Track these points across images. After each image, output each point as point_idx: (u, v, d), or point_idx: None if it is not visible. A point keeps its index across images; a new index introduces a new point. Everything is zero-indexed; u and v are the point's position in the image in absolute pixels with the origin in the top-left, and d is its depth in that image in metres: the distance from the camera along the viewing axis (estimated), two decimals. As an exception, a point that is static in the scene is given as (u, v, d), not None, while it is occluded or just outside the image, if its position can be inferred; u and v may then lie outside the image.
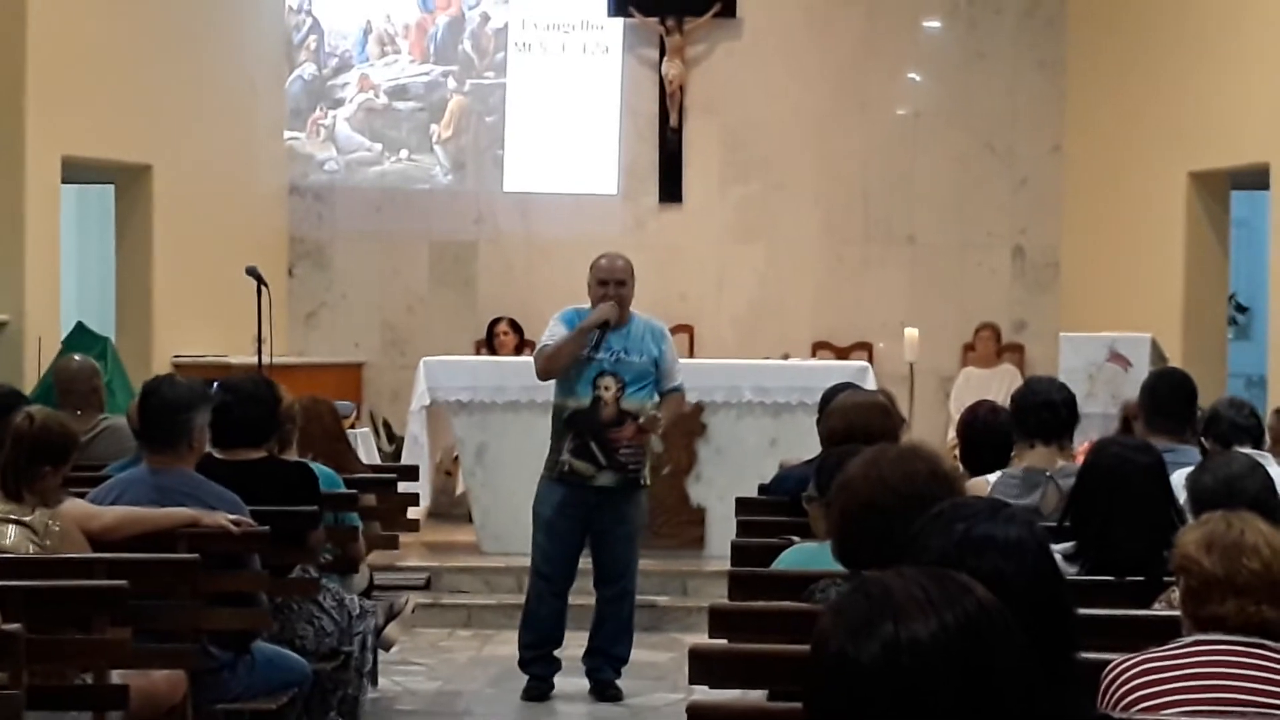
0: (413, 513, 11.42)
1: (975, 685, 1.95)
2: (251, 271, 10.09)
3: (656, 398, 8.68)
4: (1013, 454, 6.82)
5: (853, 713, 1.96)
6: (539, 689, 8.78)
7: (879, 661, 1.95)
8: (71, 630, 5.15)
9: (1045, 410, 6.60)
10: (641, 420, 8.50)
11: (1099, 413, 9.46)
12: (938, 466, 4.00)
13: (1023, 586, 2.63)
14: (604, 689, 8.78)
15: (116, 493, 6.21)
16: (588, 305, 8.71)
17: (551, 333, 8.69)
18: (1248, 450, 6.28)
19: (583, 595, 9.00)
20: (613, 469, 8.55)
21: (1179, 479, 5.65)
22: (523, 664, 8.85)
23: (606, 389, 8.54)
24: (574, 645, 8.90)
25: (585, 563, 8.86)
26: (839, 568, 4.28)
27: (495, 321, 14.28)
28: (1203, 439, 6.83)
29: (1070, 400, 6.73)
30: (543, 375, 8.76)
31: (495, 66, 15.07)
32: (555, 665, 8.85)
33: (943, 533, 2.81)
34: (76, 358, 9.56)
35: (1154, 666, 3.74)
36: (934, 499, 3.56)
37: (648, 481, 8.84)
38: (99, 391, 9.11)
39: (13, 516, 5.44)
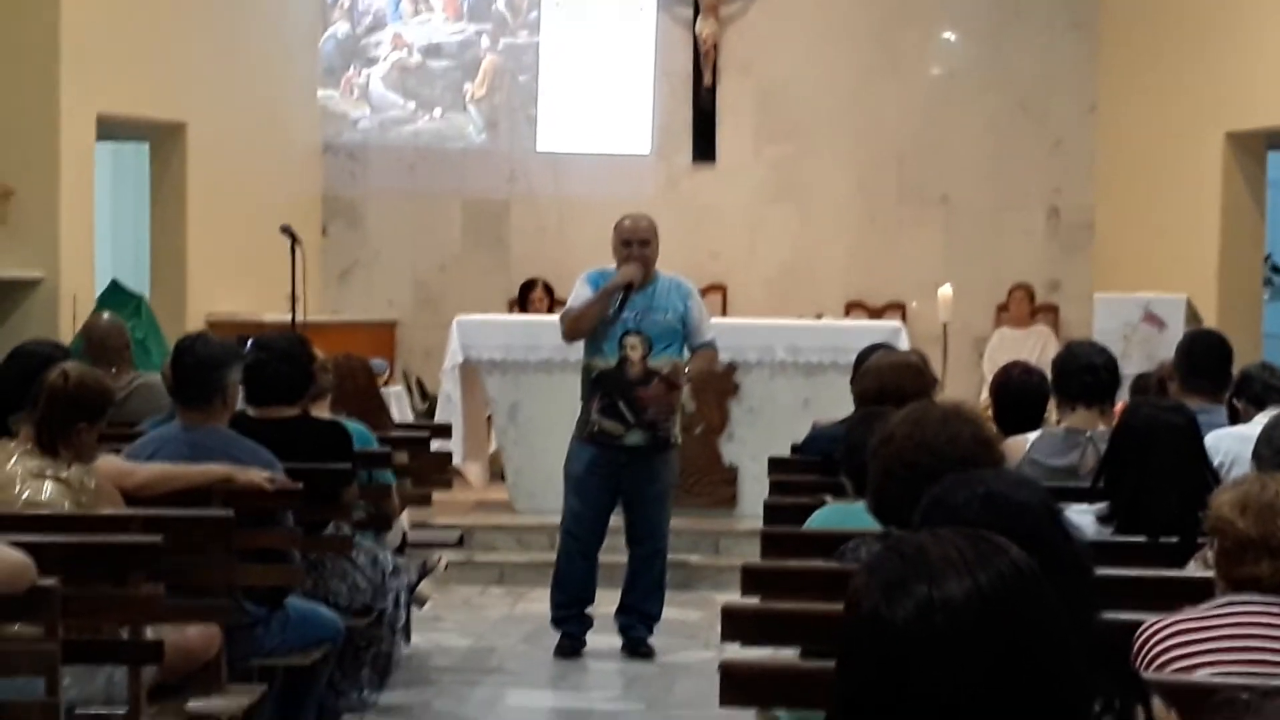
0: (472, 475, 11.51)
1: (1009, 646, 1.95)
2: (285, 230, 10.10)
3: (686, 355, 8.69)
4: (1054, 416, 6.81)
5: (886, 672, 1.96)
6: (571, 646, 8.83)
7: (913, 621, 1.95)
8: (107, 585, 5.17)
9: (1087, 374, 6.59)
10: (666, 372, 8.51)
11: (1133, 374, 9.42)
12: (980, 430, 3.99)
13: (1033, 545, 2.61)
14: (636, 646, 8.82)
15: (151, 449, 6.24)
16: (613, 266, 8.72)
17: (577, 294, 8.73)
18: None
19: (615, 553, 9.02)
20: (642, 428, 8.57)
21: (1212, 440, 5.64)
22: (555, 622, 8.90)
23: (633, 349, 8.55)
24: (606, 603, 8.94)
25: (617, 521, 8.89)
26: (872, 527, 4.28)
27: (530, 286, 14.23)
28: (1234, 400, 6.82)
29: (1111, 363, 6.71)
30: (568, 337, 8.81)
31: (529, 25, 15.03)
32: (587, 623, 8.89)
33: (949, 496, 2.82)
34: (105, 315, 9.59)
35: (1188, 627, 3.73)
36: (976, 463, 3.57)
37: (678, 440, 8.85)
38: (130, 348, 9.15)
39: (49, 472, 5.47)
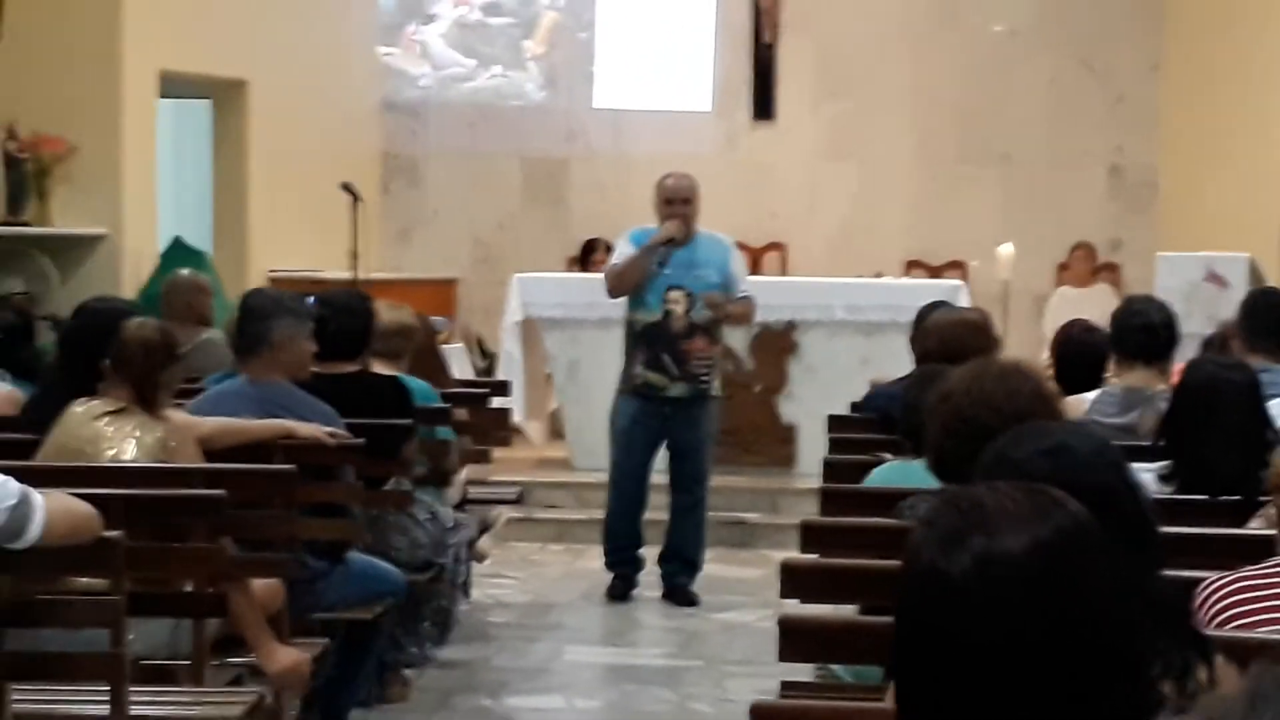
0: (533, 432, 11.57)
1: (1066, 599, 1.95)
2: (346, 187, 10.15)
3: None
4: (1110, 374, 6.77)
5: (944, 625, 1.97)
6: (623, 587, 9.13)
7: (970, 574, 1.95)
8: (170, 538, 5.22)
9: (1144, 334, 6.54)
10: (703, 302, 8.74)
11: (1195, 333, 9.35)
12: (1040, 386, 3.97)
13: (1098, 497, 2.59)
14: (679, 594, 9.07)
15: (212, 404, 6.29)
16: (655, 225, 9.00)
17: (620, 251, 9.04)
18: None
19: (659, 510, 9.22)
20: (685, 380, 8.82)
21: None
22: (609, 566, 9.22)
23: (676, 303, 8.80)
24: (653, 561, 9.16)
25: (661, 478, 9.14)
26: (930, 485, 4.28)
27: (591, 248, 14.01)
28: None
29: (1170, 321, 6.65)
30: (612, 293, 9.06)
31: (588, -19, 14.99)
32: (639, 564, 9.20)
33: (1013, 448, 2.80)
34: (184, 272, 9.71)
35: (1248, 585, 3.72)
36: (1035, 419, 3.55)
37: (718, 393, 9.09)
38: (194, 306, 9.22)
39: (137, 434, 5.48)
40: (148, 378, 5.51)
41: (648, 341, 8.83)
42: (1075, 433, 2.85)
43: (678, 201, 8.92)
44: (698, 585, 9.13)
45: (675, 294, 8.79)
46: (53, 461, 5.42)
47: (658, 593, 9.09)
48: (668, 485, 9.14)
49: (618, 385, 9.08)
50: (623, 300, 9.03)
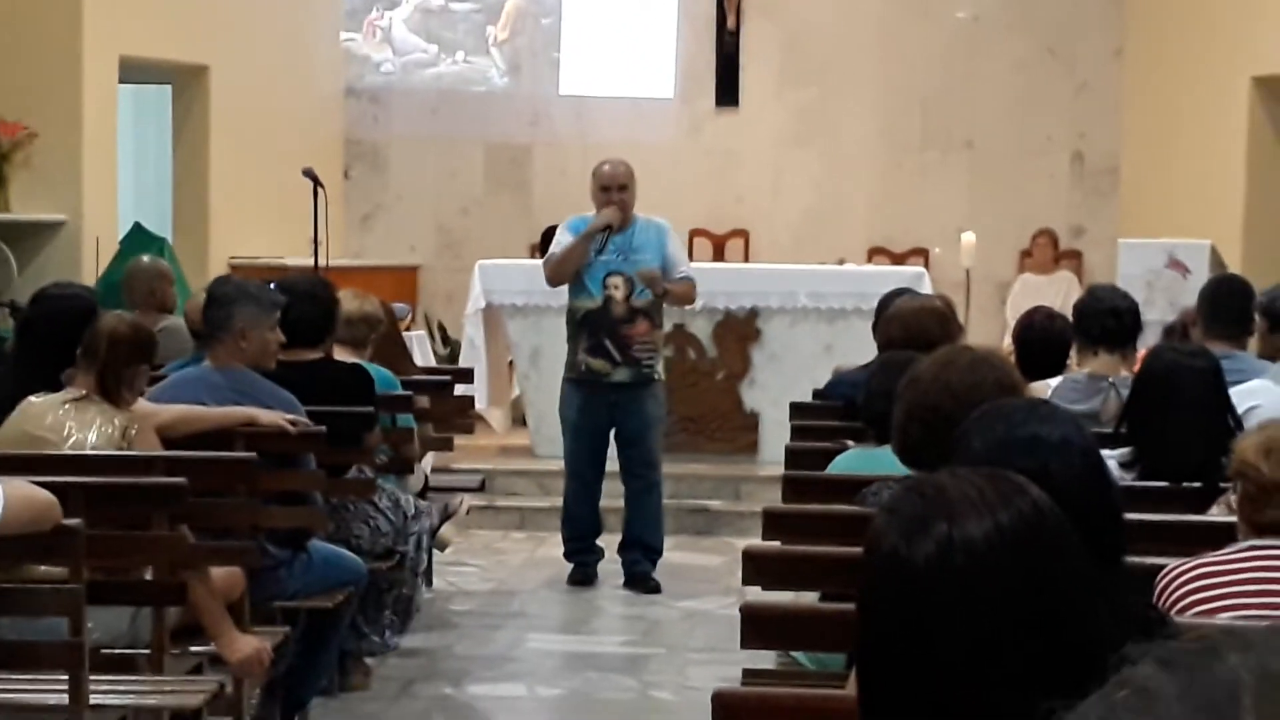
0: (495, 419, 11.57)
1: (1029, 585, 1.95)
2: (308, 173, 10.09)
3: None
4: (1074, 360, 6.79)
5: (906, 612, 1.96)
6: (584, 575, 9.14)
7: (932, 561, 1.95)
8: (131, 527, 5.19)
9: (1110, 318, 6.56)
10: (638, 273, 8.79)
11: (1157, 320, 9.40)
12: (1006, 377, 3.96)
13: (1069, 485, 2.59)
14: (642, 581, 9.06)
15: (174, 389, 6.26)
16: (593, 213, 9.04)
17: (559, 240, 9.13)
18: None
19: (617, 498, 9.21)
20: (627, 365, 8.88)
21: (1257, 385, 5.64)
22: (567, 555, 9.24)
23: (616, 288, 8.87)
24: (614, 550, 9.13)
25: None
26: (893, 471, 4.28)
27: (553, 233, 14.03)
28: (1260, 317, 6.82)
29: (1134, 309, 6.69)
30: (551, 281, 9.17)
31: (552, -32, 14.95)
32: (598, 553, 9.24)
33: (985, 432, 2.80)
34: (146, 259, 9.68)
35: (1209, 571, 3.73)
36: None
37: (662, 375, 9.14)
38: (156, 293, 9.19)
39: (98, 423, 5.45)
40: (112, 370, 5.48)
41: (589, 328, 8.87)
42: (1047, 419, 2.84)
43: (614, 188, 8.97)
44: (660, 573, 9.12)
45: (615, 279, 8.85)
46: (11, 450, 5.39)
47: (619, 580, 9.09)
48: (620, 470, 9.16)
49: (564, 374, 9.12)
50: (566, 289, 9.08)
